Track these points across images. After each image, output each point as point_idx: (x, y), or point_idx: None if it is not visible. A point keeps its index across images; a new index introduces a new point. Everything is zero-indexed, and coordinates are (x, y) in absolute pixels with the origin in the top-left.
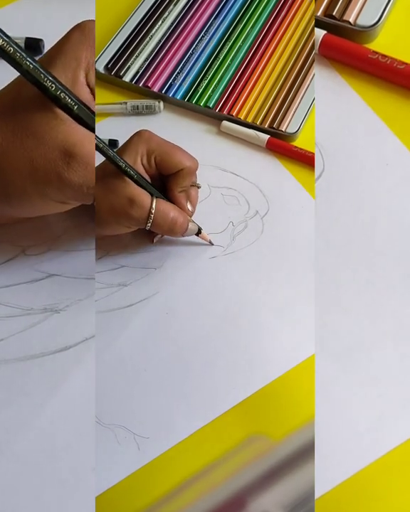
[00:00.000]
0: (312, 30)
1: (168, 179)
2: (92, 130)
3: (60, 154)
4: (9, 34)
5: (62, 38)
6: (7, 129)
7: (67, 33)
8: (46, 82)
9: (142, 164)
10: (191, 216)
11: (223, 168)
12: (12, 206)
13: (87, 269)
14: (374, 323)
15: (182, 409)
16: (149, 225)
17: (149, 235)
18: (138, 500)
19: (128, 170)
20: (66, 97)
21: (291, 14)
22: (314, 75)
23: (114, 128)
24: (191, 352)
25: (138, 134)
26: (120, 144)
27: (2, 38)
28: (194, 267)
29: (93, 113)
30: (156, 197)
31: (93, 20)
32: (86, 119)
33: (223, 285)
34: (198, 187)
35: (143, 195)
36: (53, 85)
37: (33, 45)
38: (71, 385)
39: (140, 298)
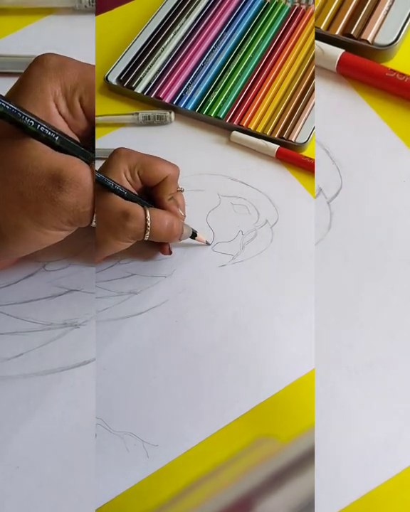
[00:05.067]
0: (312, 44)
1: (154, 190)
2: (77, 156)
3: (48, 181)
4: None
5: (23, 74)
6: None
7: (27, 68)
8: (24, 119)
9: (127, 180)
10: (183, 220)
11: (233, 178)
12: (8, 245)
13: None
14: (390, 337)
15: (191, 417)
16: (148, 234)
17: (152, 245)
18: (144, 506)
19: (117, 188)
20: (46, 130)
21: (301, 26)
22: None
23: (126, 138)
24: (201, 360)
25: (116, 152)
26: None
27: None
28: (204, 275)
29: (73, 140)
30: (148, 207)
31: (52, 54)
32: (69, 148)
33: (233, 293)
34: (182, 190)
35: (136, 207)
36: (31, 121)
37: None
38: (90, 399)
39: (150, 306)
